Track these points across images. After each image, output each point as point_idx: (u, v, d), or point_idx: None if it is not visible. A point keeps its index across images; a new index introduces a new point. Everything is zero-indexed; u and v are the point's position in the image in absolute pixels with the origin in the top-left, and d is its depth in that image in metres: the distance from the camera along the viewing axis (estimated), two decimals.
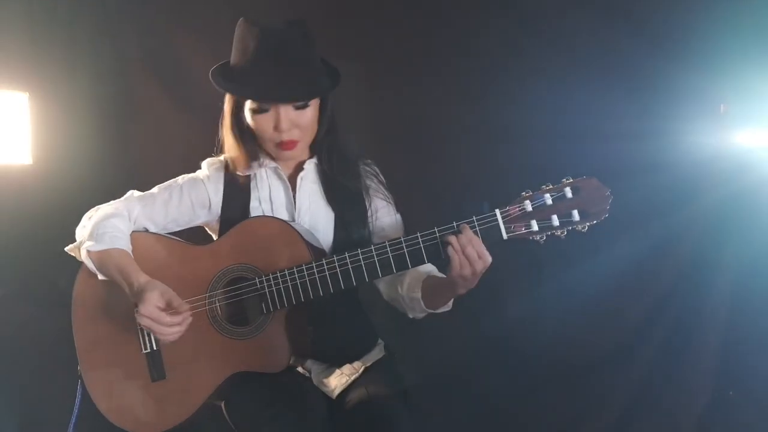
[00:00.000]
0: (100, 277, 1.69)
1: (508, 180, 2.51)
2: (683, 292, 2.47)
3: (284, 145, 1.71)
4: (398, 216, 1.84)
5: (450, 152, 2.56)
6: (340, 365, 1.76)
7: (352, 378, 1.72)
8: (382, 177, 1.86)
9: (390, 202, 1.83)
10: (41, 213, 2.58)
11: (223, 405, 1.68)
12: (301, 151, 1.77)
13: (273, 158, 1.80)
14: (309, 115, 1.71)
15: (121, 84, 2.66)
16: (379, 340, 1.85)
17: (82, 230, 1.73)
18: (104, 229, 1.67)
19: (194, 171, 1.87)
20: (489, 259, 1.53)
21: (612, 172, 2.35)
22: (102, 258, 1.66)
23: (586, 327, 2.50)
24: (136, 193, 1.79)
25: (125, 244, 1.69)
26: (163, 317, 1.55)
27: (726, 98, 2.34)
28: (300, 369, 1.75)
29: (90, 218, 1.73)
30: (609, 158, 2.36)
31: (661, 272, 2.46)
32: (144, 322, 1.55)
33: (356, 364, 1.76)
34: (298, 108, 1.69)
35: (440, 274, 1.71)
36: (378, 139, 2.35)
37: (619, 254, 2.37)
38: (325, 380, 1.74)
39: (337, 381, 1.72)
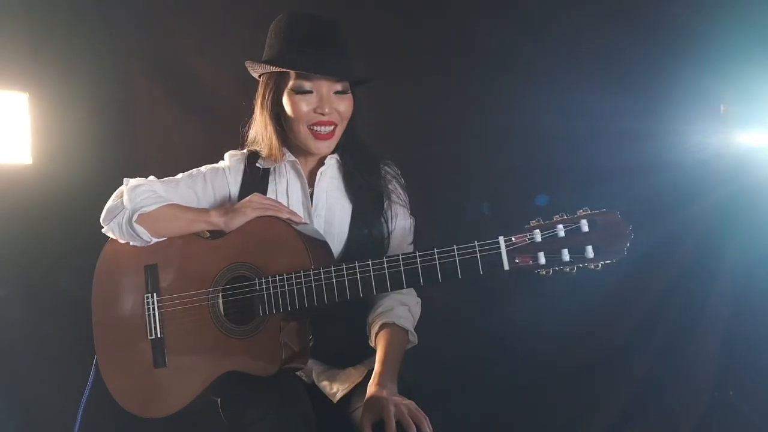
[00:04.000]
0: (153, 241, 1.72)
1: (509, 180, 2.53)
2: (684, 292, 2.47)
3: (323, 134, 1.72)
4: (411, 220, 1.85)
5: (452, 153, 2.56)
6: (342, 367, 1.75)
7: (355, 383, 1.71)
8: (402, 180, 1.87)
9: (406, 207, 1.85)
10: (41, 213, 2.58)
11: (219, 402, 1.69)
12: (335, 145, 1.78)
13: (292, 152, 1.80)
14: (348, 103, 1.74)
15: (120, 84, 2.67)
16: None
17: (115, 208, 1.72)
18: (145, 194, 1.70)
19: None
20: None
21: (612, 172, 2.39)
22: (155, 217, 1.69)
23: (586, 327, 2.49)
24: (153, 178, 1.80)
25: (169, 200, 1.73)
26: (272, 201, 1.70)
27: (726, 99, 2.34)
28: (298, 372, 1.74)
29: (116, 197, 1.74)
30: (610, 158, 2.37)
31: (661, 272, 2.46)
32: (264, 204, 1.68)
33: (359, 368, 1.75)
34: (338, 93, 1.72)
35: (396, 342, 1.69)
36: (381, 140, 2.34)
37: None
38: (326, 383, 1.73)
39: (339, 385, 1.71)
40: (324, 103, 1.70)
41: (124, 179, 1.76)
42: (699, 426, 2.46)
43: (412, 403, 1.51)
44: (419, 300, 1.81)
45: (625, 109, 2.34)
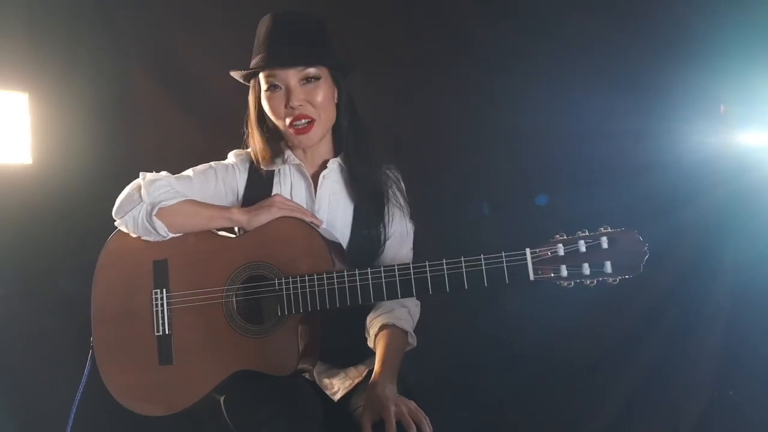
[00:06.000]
0: (170, 236, 1.69)
1: (509, 180, 2.54)
2: (683, 292, 2.47)
3: (299, 129, 1.72)
4: (409, 225, 1.85)
5: (453, 153, 2.56)
6: (343, 367, 1.76)
7: (356, 382, 1.71)
8: (402, 184, 1.86)
9: (404, 212, 1.84)
10: (41, 213, 2.58)
11: (222, 401, 1.68)
12: (319, 137, 1.76)
13: (296, 154, 1.81)
14: (321, 91, 1.72)
15: (120, 84, 2.67)
16: None
17: (130, 201, 1.69)
18: (163, 188, 1.69)
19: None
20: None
21: (612, 171, 2.39)
22: (174, 212, 1.68)
23: (586, 327, 2.49)
24: (166, 173, 1.78)
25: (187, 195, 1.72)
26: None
27: (726, 99, 2.35)
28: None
29: (131, 190, 1.71)
30: (609, 158, 2.38)
31: (661, 272, 2.46)
32: (289, 205, 1.68)
33: (360, 367, 1.75)
34: (307, 81, 1.71)
35: (397, 341, 1.70)
36: (380, 140, 2.35)
37: None
38: (327, 381, 1.73)
39: (340, 384, 1.72)
40: (292, 96, 1.70)
41: (141, 173, 1.74)
42: (699, 426, 2.47)
43: (412, 403, 1.52)
44: (418, 302, 1.81)
45: (625, 109, 2.34)
